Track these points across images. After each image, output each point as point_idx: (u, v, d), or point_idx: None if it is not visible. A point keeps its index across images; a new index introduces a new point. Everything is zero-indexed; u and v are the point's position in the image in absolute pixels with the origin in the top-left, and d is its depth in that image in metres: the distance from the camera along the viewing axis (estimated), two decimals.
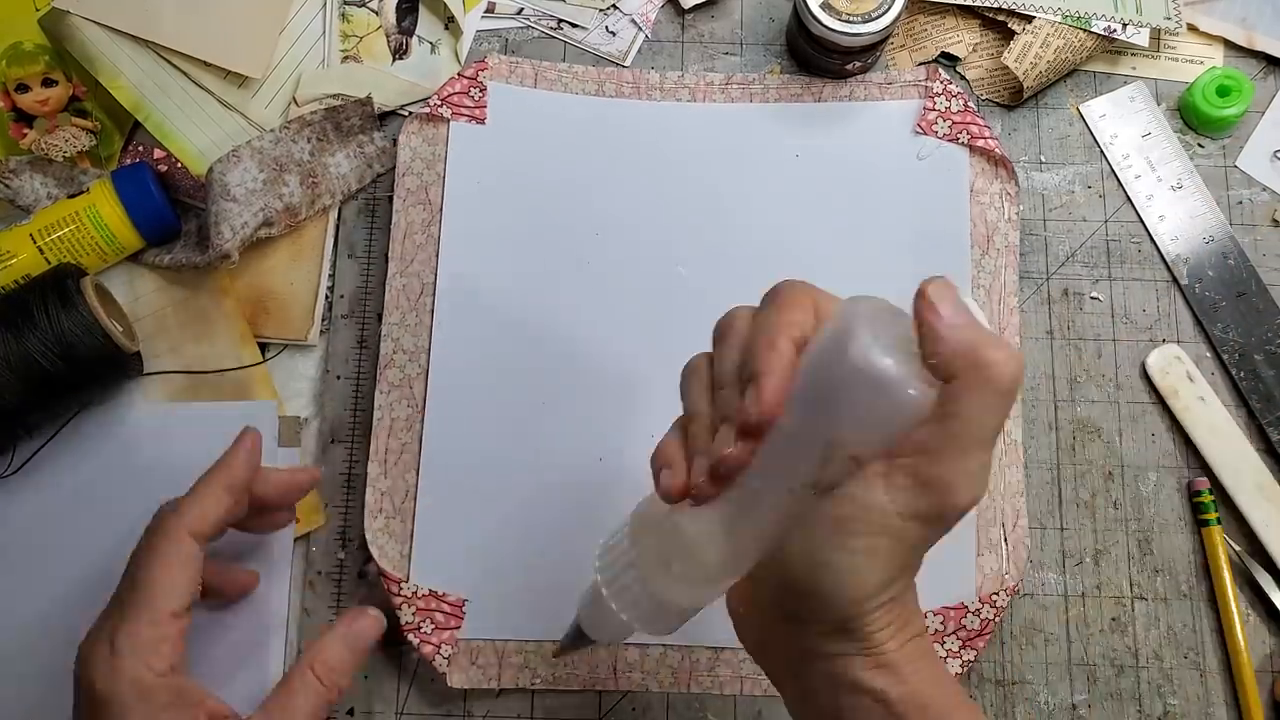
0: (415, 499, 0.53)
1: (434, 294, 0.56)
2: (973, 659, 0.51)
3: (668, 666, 0.52)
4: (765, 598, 0.37)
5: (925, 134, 0.57)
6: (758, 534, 0.34)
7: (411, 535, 0.53)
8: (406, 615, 0.51)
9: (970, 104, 0.57)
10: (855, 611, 0.33)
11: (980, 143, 0.56)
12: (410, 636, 0.51)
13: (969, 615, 0.51)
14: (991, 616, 0.51)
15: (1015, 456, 0.54)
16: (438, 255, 0.56)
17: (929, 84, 0.58)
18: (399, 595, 0.52)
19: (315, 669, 0.43)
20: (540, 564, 0.53)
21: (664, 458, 0.36)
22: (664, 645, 0.52)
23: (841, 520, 0.32)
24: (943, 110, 0.57)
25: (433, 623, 0.52)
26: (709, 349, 0.38)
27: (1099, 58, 0.60)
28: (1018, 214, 0.56)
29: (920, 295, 0.31)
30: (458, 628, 0.52)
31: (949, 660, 0.51)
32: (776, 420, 0.33)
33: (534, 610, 0.52)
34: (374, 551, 0.52)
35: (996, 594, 0.51)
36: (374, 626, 0.45)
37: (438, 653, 0.51)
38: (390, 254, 0.57)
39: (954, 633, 0.51)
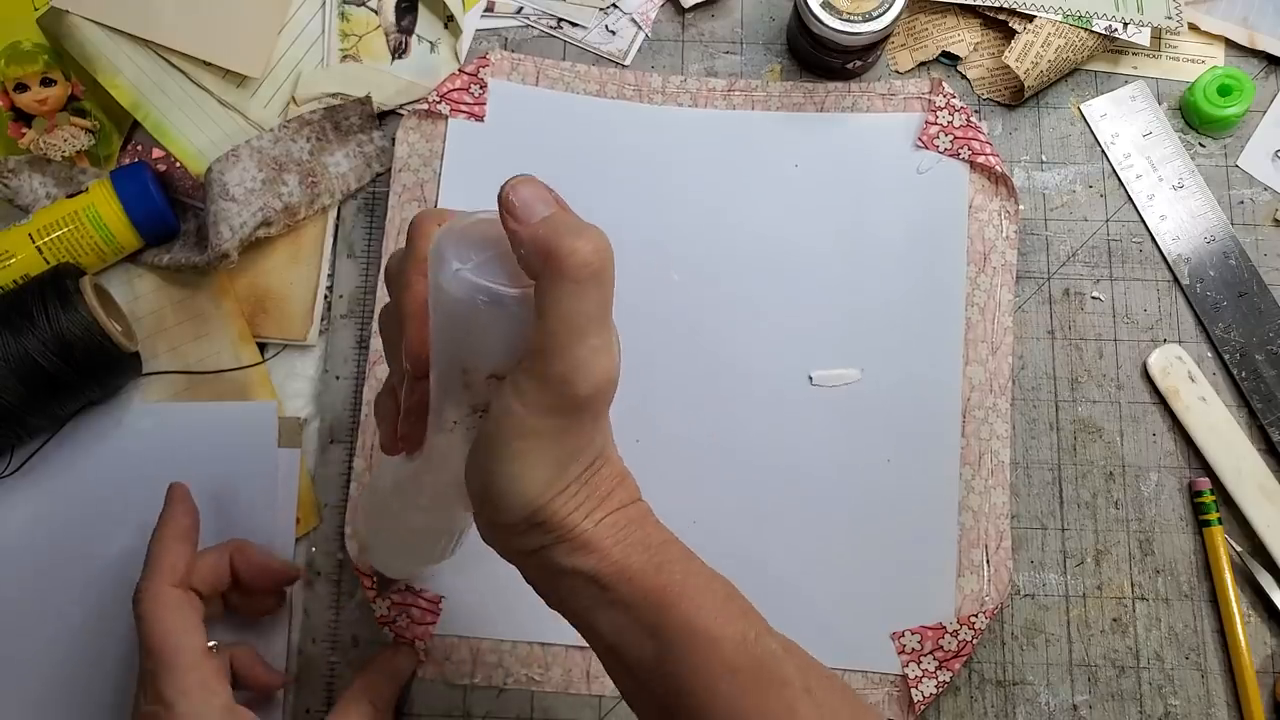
0: None
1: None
2: (948, 680, 0.51)
3: None
4: (481, 520, 0.38)
5: (926, 148, 0.57)
6: (455, 465, 0.36)
7: None
8: (381, 609, 0.52)
9: (973, 119, 0.57)
10: (533, 509, 0.34)
11: (981, 159, 0.56)
12: (385, 630, 0.52)
13: (946, 636, 0.51)
14: (970, 638, 0.51)
15: (1001, 479, 0.53)
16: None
17: (932, 97, 0.57)
18: (374, 589, 0.52)
19: (371, 698, 0.48)
20: None
21: (376, 416, 0.41)
22: None
23: (489, 434, 0.34)
24: (945, 124, 0.57)
25: (408, 618, 0.52)
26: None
27: (1100, 57, 0.60)
28: (1016, 232, 0.56)
29: (501, 199, 0.32)
30: (433, 624, 0.52)
31: (924, 680, 0.51)
32: (429, 357, 0.35)
33: (509, 610, 0.52)
34: (351, 546, 0.53)
35: (975, 616, 0.51)
36: (413, 661, 0.51)
37: (411, 648, 0.52)
38: (384, 250, 0.57)
39: (931, 653, 0.51)
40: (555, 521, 0.34)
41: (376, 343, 0.55)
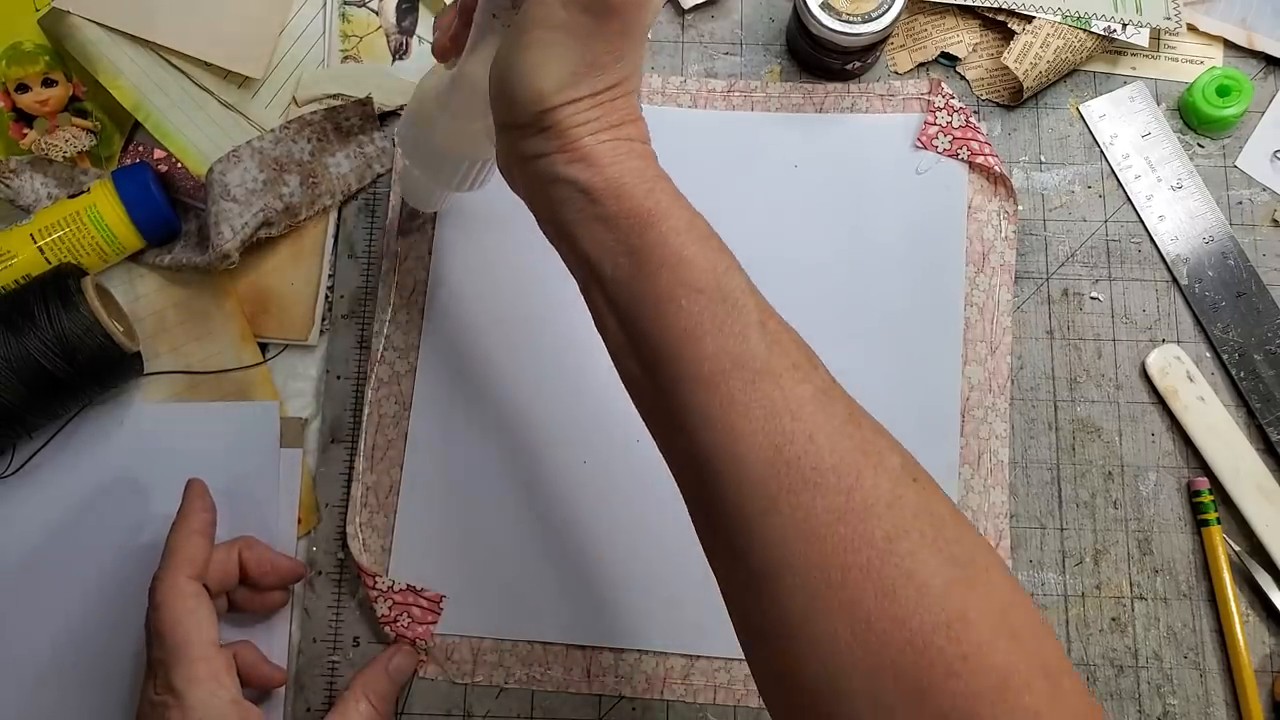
0: (398, 495, 0.54)
1: (425, 292, 0.56)
2: None
3: (642, 672, 0.52)
4: (495, 122, 0.39)
5: (925, 149, 0.57)
6: (488, 63, 0.38)
7: (393, 530, 0.53)
8: (383, 609, 0.52)
9: (972, 119, 0.57)
10: (545, 105, 0.35)
11: (980, 160, 0.56)
12: (386, 630, 0.52)
13: None
14: None
15: (1000, 478, 0.53)
16: (430, 253, 0.56)
17: (931, 97, 0.57)
18: (375, 589, 0.52)
19: (370, 697, 0.49)
20: (520, 565, 0.53)
21: (436, 27, 0.44)
22: (639, 651, 0.52)
23: (519, 24, 0.35)
24: (944, 125, 0.57)
25: (410, 617, 0.52)
26: None
27: (1099, 58, 0.60)
28: (1015, 232, 0.56)
29: None
30: (434, 623, 0.52)
31: None
32: None
33: (511, 609, 0.53)
34: (354, 545, 0.53)
35: None
36: (413, 661, 0.52)
37: (413, 647, 0.52)
38: (385, 250, 0.57)
39: None
40: (561, 128, 0.35)
41: (377, 343, 0.55)
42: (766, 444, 0.33)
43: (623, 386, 0.38)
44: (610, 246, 0.36)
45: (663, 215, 0.35)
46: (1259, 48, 0.59)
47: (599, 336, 0.39)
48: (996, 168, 0.56)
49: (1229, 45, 0.60)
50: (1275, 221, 0.58)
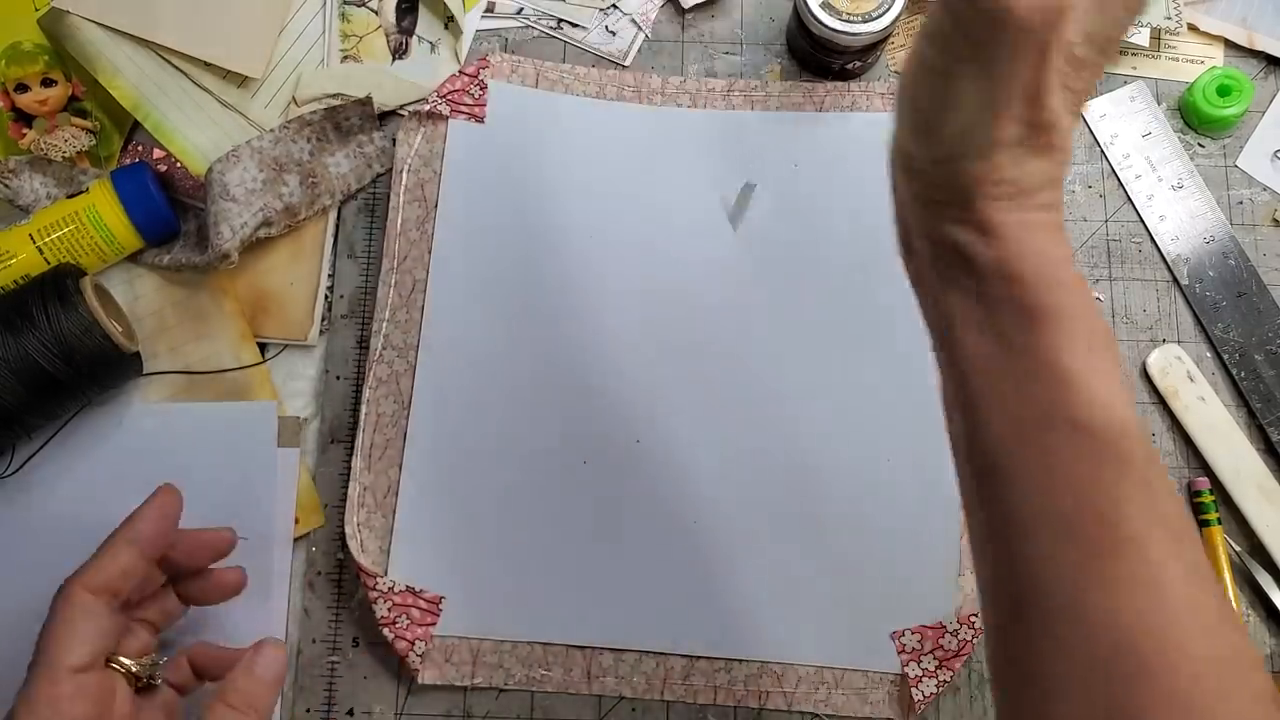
0: (397, 495, 0.53)
1: (425, 291, 0.56)
2: (948, 679, 0.51)
3: (642, 673, 0.52)
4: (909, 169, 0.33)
5: None
6: None
7: (391, 531, 0.53)
8: (382, 610, 0.52)
9: None
10: (966, 146, 0.29)
11: None
12: (385, 631, 0.51)
13: (947, 635, 0.51)
14: (970, 638, 0.51)
15: None
16: (430, 252, 0.56)
17: None
18: (375, 590, 0.52)
19: (230, 700, 0.43)
20: (519, 565, 0.53)
21: None
22: (639, 652, 0.52)
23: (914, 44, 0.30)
24: None
25: (409, 618, 0.52)
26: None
27: None
28: None
29: None
30: (434, 624, 0.52)
31: (924, 679, 0.51)
32: None
33: (511, 610, 0.52)
34: (353, 546, 0.52)
35: (976, 615, 0.51)
36: (280, 658, 0.44)
37: (412, 649, 0.51)
38: (385, 250, 0.57)
39: (931, 652, 0.51)
40: (974, 182, 0.29)
41: (377, 342, 0.55)
42: (1116, 625, 0.27)
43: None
44: (984, 329, 0.30)
45: (1059, 319, 0.29)
46: (1259, 47, 0.59)
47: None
48: None
49: (1229, 45, 0.60)
50: (1276, 221, 0.57)
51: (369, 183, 0.59)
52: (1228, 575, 0.52)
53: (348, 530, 0.53)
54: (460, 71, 0.59)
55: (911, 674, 0.51)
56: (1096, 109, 0.59)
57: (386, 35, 0.61)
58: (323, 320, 0.57)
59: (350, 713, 0.52)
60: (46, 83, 0.56)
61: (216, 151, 0.57)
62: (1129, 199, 0.58)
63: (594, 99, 0.59)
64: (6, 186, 0.56)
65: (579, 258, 0.57)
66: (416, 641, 0.52)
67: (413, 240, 0.57)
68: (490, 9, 0.61)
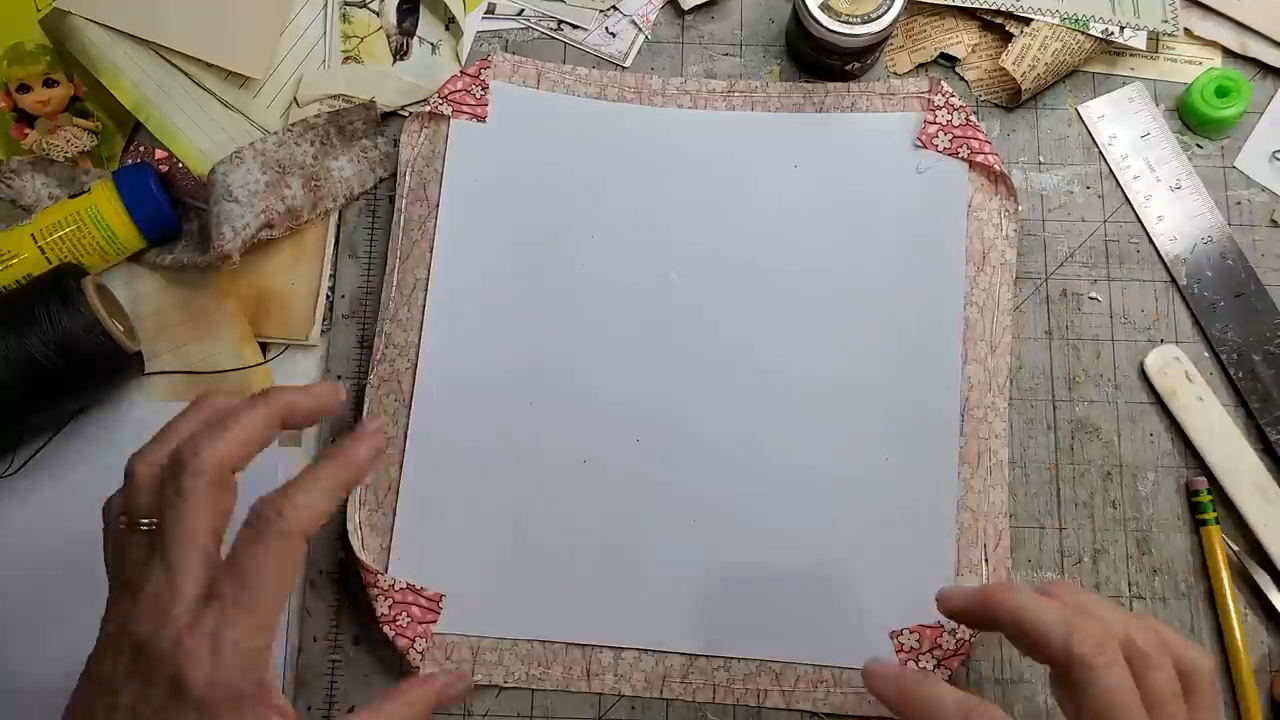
0: (398, 493, 0.54)
1: (426, 290, 0.56)
2: (947, 679, 0.51)
3: (641, 671, 0.52)
4: None
5: (925, 147, 0.57)
6: None
7: (392, 529, 0.53)
8: (383, 607, 0.52)
9: (972, 118, 0.57)
10: None
11: (980, 158, 0.56)
12: (386, 629, 0.52)
13: (945, 635, 0.51)
14: (968, 637, 0.51)
15: (1000, 477, 0.53)
16: (432, 252, 0.57)
17: (931, 96, 0.58)
18: (376, 587, 0.52)
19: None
20: (519, 563, 0.53)
21: None
22: (638, 650, 0.52)
23: None
24: (944, 123, 0.57)
25: (409, 616, 0.52)
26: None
27: (1097, 58, 0.60)
28: (1015, 231, 0.56)
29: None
30: (434, 622, 0.52)
31: None
32: None
33: (511, 609, 0.52)
34: (354, 542, 0.53)
35: None
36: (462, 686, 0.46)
37: (412, 646, 0.52)
38: (388, 250, 0.57)
39: (929, 651, 0.51)
40: None
41: (379, 341, 0.56)
42: None
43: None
44: None
45: None
46: (1252, 55, 0.59)
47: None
48: (996, 166, 0.56)
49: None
50: (1274, 222, 0.58)
51: (372, 187, 0.59)
52: (1226, 575, 0.52)
53: (349, 527, 0.53)
54: (462, 72, 0.59)
55: None
56: (1095, 110, 0.59)
57: (388, 36, 0.61)
58: (324, 320, 0.57)
59: (351, 710, 0.52)
60: (48, 83, 0.57)
61: (218, 152, 0.57)
62: (1127, 199, 0.58)
63: (595, 100, 0.59)
64: (9, 187, 0.56)
65: (580, 257, 0.57)
66: (417, 639, 0.52)
67: (414, 239, 0.57)
68: (491, 10, 0.61)
